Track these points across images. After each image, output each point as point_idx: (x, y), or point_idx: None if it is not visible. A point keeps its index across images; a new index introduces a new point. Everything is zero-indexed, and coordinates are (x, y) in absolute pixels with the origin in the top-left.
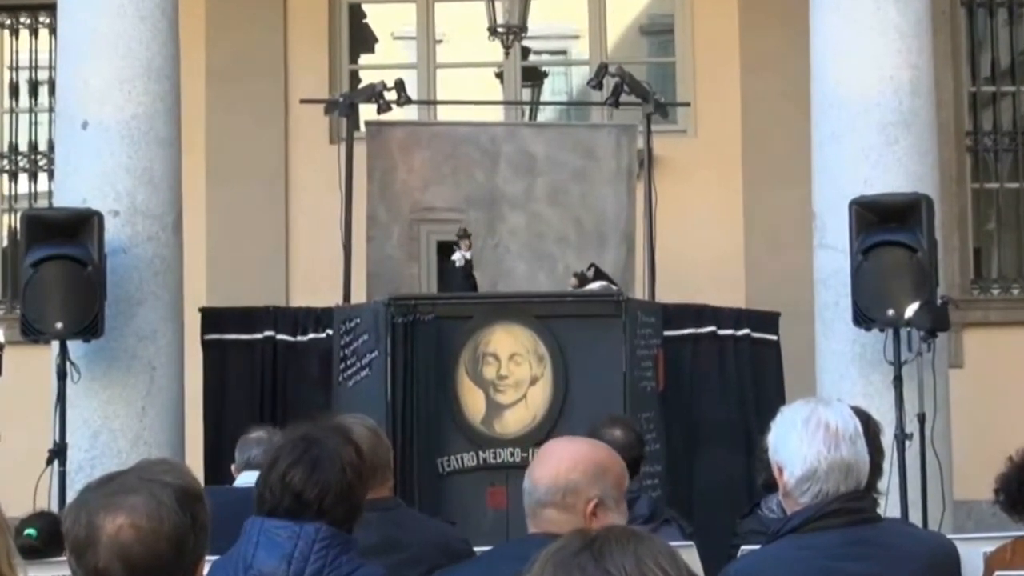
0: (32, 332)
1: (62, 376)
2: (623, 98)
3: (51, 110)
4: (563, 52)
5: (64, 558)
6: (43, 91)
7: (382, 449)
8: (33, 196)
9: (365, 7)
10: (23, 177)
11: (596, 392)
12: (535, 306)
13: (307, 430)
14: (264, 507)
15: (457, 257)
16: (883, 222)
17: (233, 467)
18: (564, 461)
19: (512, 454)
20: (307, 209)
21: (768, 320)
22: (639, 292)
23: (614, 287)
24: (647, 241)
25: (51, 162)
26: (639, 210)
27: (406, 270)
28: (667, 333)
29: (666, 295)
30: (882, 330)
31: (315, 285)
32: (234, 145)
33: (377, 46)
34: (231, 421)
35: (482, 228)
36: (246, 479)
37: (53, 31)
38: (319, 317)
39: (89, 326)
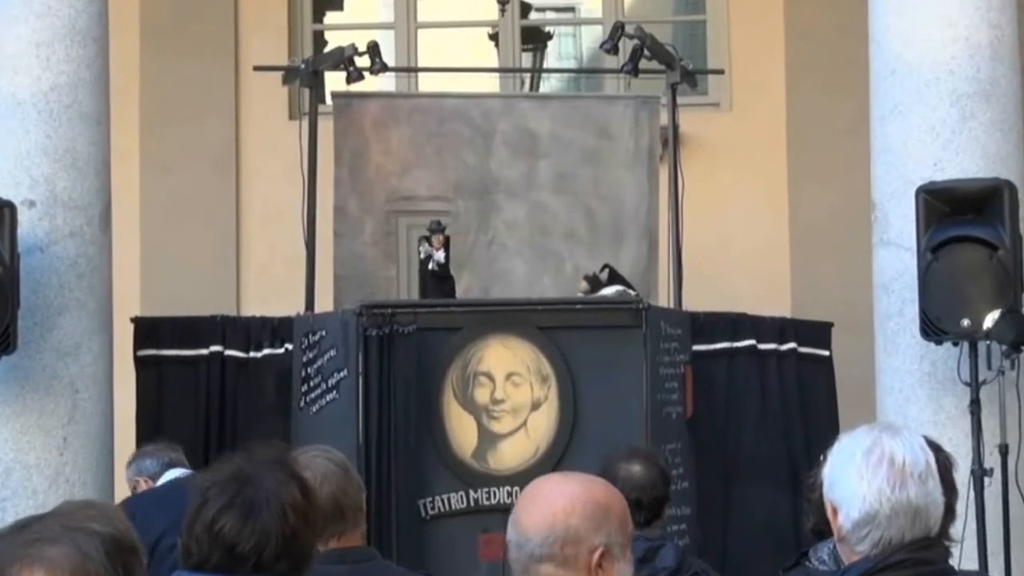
0: None
1: None
2: (643, 65)
3: None
4: (571, 10)
5: None
6: None
7: (352, 489)
8: None
9: None
10: None
11: (611, 419)
12: (537, 315)
13: (239, 465)
14: (190, 561)
15: (426, 256)
16: (957, 214)
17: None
18: (558, 502)
19: (510, 494)
20: (262, 199)
21: (818, 332)
22: (663, 298)
23: (632, 292)
24: (672, 237)
25: None
26: (662, 199)
27: (381, 272)
28: (697, 348)
29: (696, 302)
30: (956, 344)
31: (271, 290)
32: (174, 122)
33: (346, 2)
34: None
35: (473, 221)
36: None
37: None
38: (276, 329)
39: None
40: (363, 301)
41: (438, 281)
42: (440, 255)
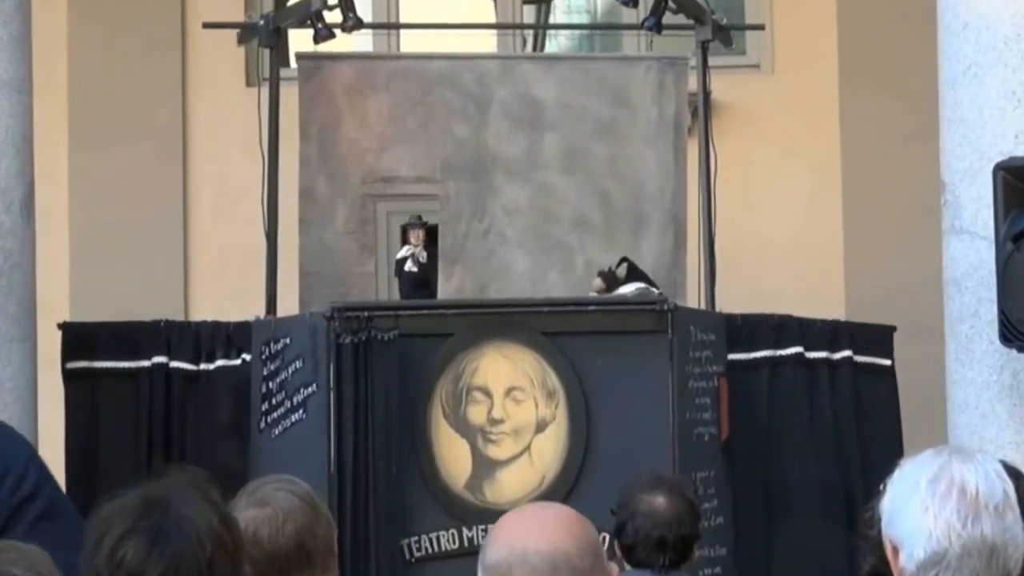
0: None
1: None
2: (668, 19)
3: None
4: None
5: None
6: None
7: (321, 527)
8: None
9: None
10: None
11: (631, 442)
12: (543, 319)
13: (149, 489)
14: None
15: (409, 262)
16: None
17: None
18: (559, 525)
19: None
20: (214, 181)
21: (878, 337)
22: (693, 298)
23: (655, 291)
24: (703, 224)
25: None
26: (691, 180)
27: (356, 267)
28: (733, 357)
29: (732, 302)
30: None
31: (226, 290)
32: (109, 90)
33: None
34: (105, 484)
35: (466, 207)
36: None
37: None
38: (231, 336)
39: None
40: (335, 302)
41: (414, 287)
42: (422, 253)
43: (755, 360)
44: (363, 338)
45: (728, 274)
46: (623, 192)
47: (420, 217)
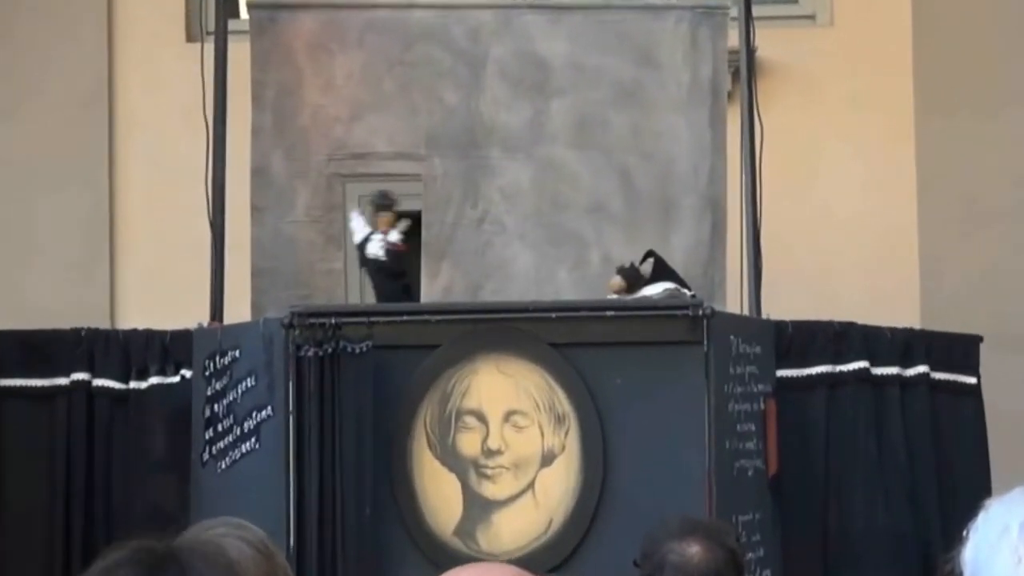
0: None
1: None
2: None
3: None
4: None
5: None
6: None
7: None
8: None
9: None
10: None
11: (657, 478)
12: (550, 327)
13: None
14: None
15: (374, 246)
16: None
17: None
18: None
19: None
20: (147, 156)
21: (960, 350)
22: (734, 301)
23: (688, 292)
24: (748, 211)
25: None
26: (733, 156)
27: (321, 263)
28: (783, 373)
29: (782, 306)
30: None
31: (161, 292)
32: (17, 46)
33: None
34: (11, 532)
35: (456, 189)
36: None
37: None
38: (168, 348)
39: None
40: (294, 306)
41: (384, 278)
42: (397, 236)
43: (810, 377)
44: (329, 350)
45: (777, 272)
46: (648, 171)
47: (387, 195)
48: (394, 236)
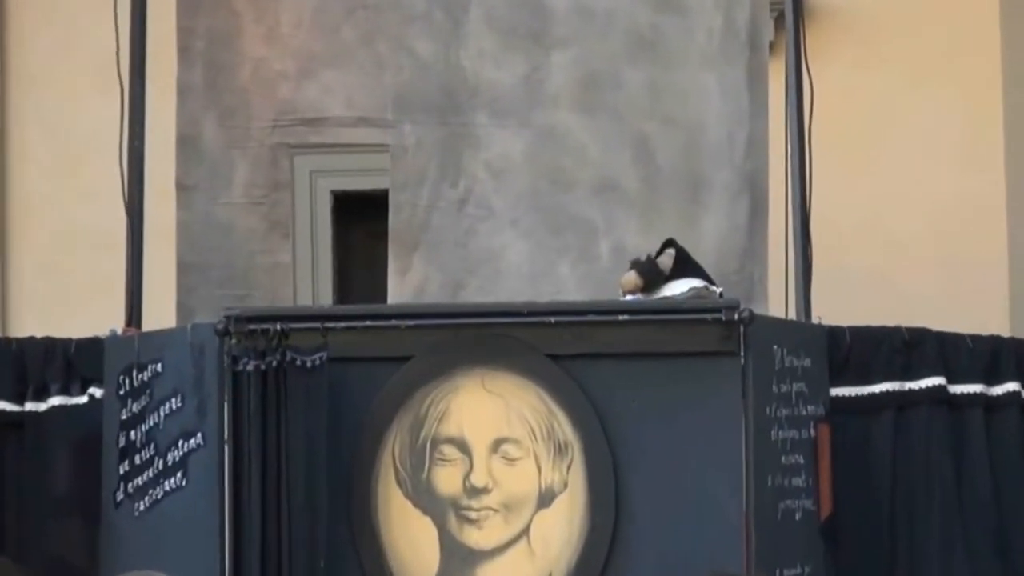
0: None
1: None
2: None
3: None
4: None
5: None
6: None
7: None
8: None
9: None
10: None
11: (681, 523)
12: (549, 335)
13: None
14: None
15: None
16: None
17: None
18: None
19: None
20: (47, 126)
21: None
22: (777, 302)
23: (717, 290)
24: (795, 192)
25: None
26: (776, 123)
27: (263, 255)
28: (839, 391)
29: (837, 309)
30: None
31: (63, 292)
32: None
33: None
34: None
35: (431, 163)
36: None
37: None
38: (72, 361)
39: None
40: (230, 309)
41: None
42: None
43: (873, 397)
44: (274, 363)
45: (831, 266)
46: (671, 141)
47: None
48: None
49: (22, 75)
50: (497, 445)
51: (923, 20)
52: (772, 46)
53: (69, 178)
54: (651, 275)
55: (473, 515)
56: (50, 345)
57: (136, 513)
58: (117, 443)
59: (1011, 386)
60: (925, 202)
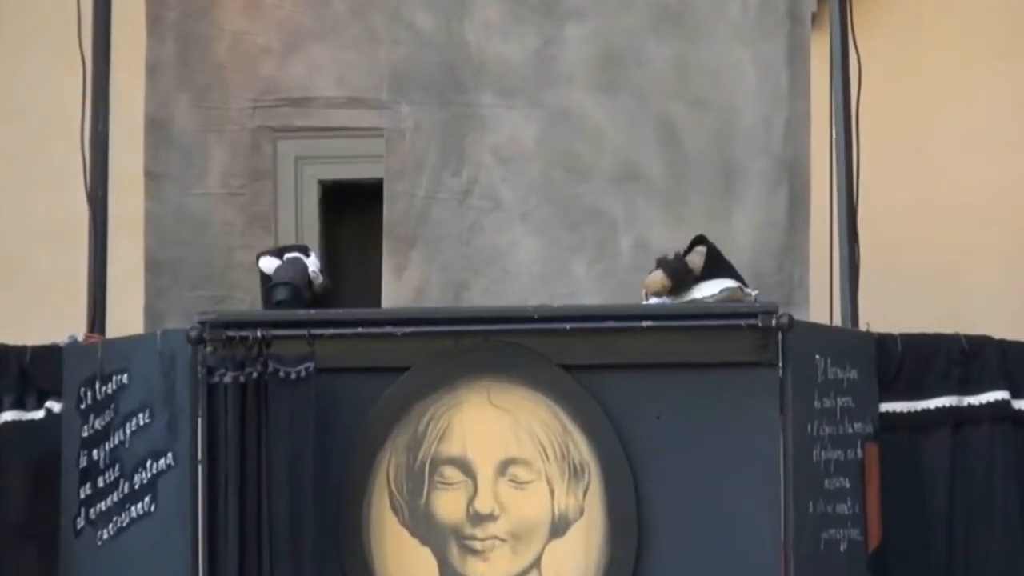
0: None
1: None
2: None
3: None
4: None
5: None
6: None
7: None
8: None
9: None
10: None
11: (713, 555)
12: (563, 343)
13: None
14: None
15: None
16: None
17: None
18: None
19: None
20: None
21: None
22: (820, 307)
23: (751, 293)
24: (840, 182)
25: None
26: (819, 105)
27: (242, 251)
28: (889, 407)
29: (887, 314)
30: None
31: (18, 293)
32: None
33: None
34: None
35: (431, 148)
36: None
37: None
38: (28, 371)
39: None
40: (205, 313)
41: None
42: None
43: (927, 413)
44: (255, 375)
45: (880, 265)
46: (700, 125)
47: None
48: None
49: None
50: (505, 467)
51: None
52: (814, 18)
53: (25, 165)
54: (679, 275)
55: (478, 545)
56: (2, 353)
57: (99, 542)
58: (77, 463)
59: None
60: (986, 193)
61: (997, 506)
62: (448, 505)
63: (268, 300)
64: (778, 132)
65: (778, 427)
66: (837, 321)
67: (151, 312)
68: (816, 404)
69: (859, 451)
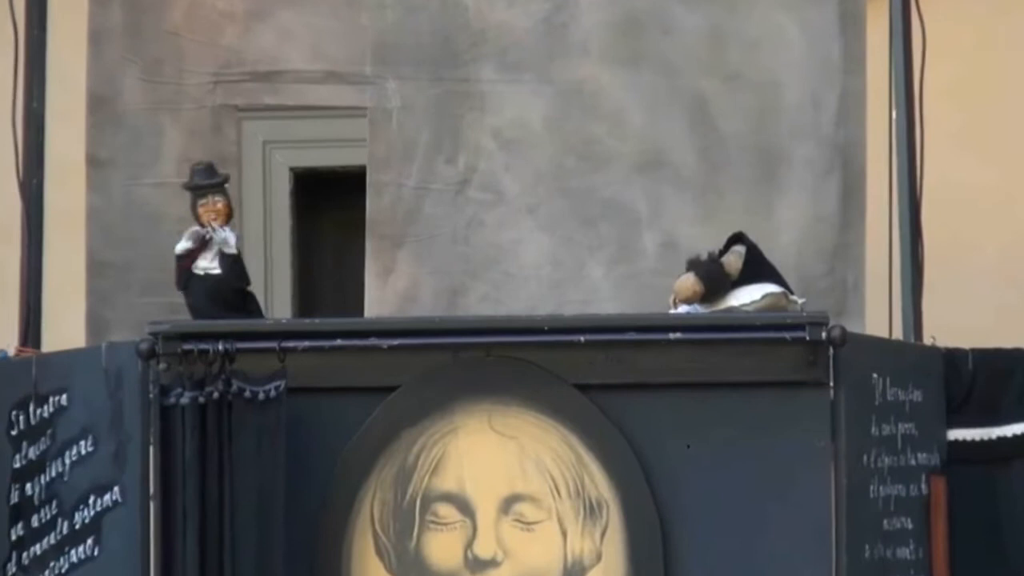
0: None
1: None
2: None
3: None
4: None
5: None
6: None
7: None
8: None
9: None
10: None
11: None
12: (578, 359)
13: None
14: None
15: (192, 246)
16: None
17: None
18: None
19: None
20: None
21: None
22: (877, 318)
23: (797, 300)
24: (902, 172)
25: None
26: (876, 85)
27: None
28: (958, 434)
29: (954, 326)
30: None
31: None
32: None
33: None
34: None
35: (423, 130)
36: None
37: None
38: None
39: None
40: (157, 322)
41: (214, 301)
42: (226, 236)
43: (1003, 442)
44: (216, 395)
45: (947, 269)
46: (737, 104)
47: (210, 169)
48: (226, 240)
49: None
50: (509, 504)
51: None
52: None
53: None
54: (714, 279)
55: None
56: None
57: None
58: (8, 499)
59: None
60: None
61: None
62: (442, 549)
63: (187, 286)
64: (829, 112)
65: (829, 458)
66: (898, 334)
67: (94, 321)
68: (873, 431)
69: (924, 486)
